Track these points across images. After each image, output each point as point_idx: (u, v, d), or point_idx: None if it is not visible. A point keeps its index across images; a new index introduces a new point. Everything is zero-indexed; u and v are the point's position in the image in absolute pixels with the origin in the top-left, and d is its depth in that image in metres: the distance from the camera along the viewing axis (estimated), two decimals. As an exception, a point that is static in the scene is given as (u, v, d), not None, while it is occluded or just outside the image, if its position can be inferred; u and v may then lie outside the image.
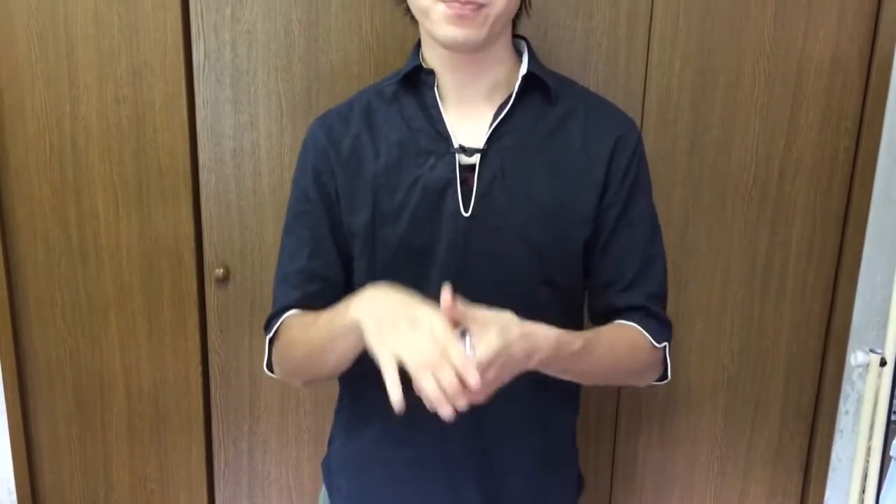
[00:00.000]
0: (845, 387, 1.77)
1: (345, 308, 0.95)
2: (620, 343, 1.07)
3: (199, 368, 1.73)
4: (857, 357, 1.63)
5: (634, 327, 1.09)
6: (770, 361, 1.76)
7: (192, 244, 1.65)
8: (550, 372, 0.97)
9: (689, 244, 1.67)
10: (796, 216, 1.68)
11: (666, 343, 1.12)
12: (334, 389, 1.29)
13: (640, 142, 1.12)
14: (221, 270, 1.66)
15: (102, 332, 1.72)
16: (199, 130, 1.60)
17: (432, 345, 0.82)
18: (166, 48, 1.56)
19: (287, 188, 1.59)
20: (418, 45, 1.11)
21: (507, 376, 0.87)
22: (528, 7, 1.13)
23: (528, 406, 1.12)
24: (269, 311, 1.16)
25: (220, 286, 1.68)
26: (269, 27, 1.55)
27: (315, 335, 1.02)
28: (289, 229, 1.15)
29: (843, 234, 1.70)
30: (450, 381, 0.80)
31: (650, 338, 1.09)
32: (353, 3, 1.54)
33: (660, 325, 1.11)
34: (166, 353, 1.72)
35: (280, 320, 1.12)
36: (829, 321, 1.75)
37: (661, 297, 1.13)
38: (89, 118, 1.60)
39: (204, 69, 1.57)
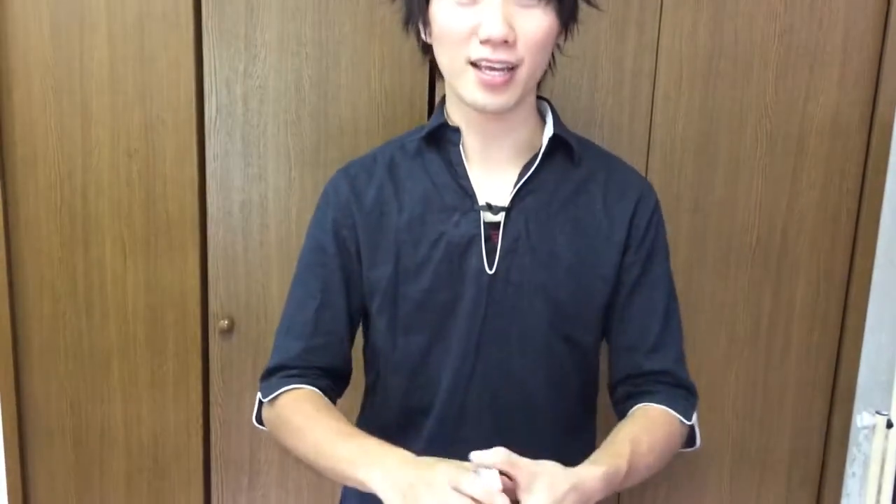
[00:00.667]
0: (852, 449, 1.75)
1: (356, 461, 0.92)
2: (658, 440, 1.04)
3: (201, 420, 1.72)
4: (862, 419, 1.62)
5: (664, 411, 1.08)
6: (775, 422, 1.75)
7: (197, 295, 1.66)
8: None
9: (693, 303, 1.67)
10: (800, 276, 1.68)
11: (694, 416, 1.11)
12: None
13: (657, 205, 1.14)
14: (226, 322, 1.66)
15: (104, 383, 1.72)
16: (208, 183, 1.63)
17: (457, 500, 0.81)
18: (179, 103, 1.59)
19: (294, 241, 1.62)
20: (443, 102, 1.13)
21: None
22: (553, 69, 1.15)
23: (547, 457, 1.12)
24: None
25: (224, 338, 1.68)
26: (281, 83, 1.58)
27: (318, 454, 0.99)
28: (298, 280, 1.14)
29: (846, 294, 1.70)
30: None
31: (681, 417, 1.08)
32: (363, 60, 1.58)
33: (687, 396, 1.11)
34: (168, 404, 1.72)
35: (281, 389, 1.09)
36: (834, 382, 1.74)
37: (683, 358, 1.13)
38: (100, 171, 1.62)
39: (216, 123, 1.60)
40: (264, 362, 1.65)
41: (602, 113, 1.60)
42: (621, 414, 1.11)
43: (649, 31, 1.57)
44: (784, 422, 1.75)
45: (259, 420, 1.14)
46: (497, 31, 0.92)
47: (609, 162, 1.16)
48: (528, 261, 1.05)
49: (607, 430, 1.07)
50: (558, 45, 1.10)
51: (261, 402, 1.13)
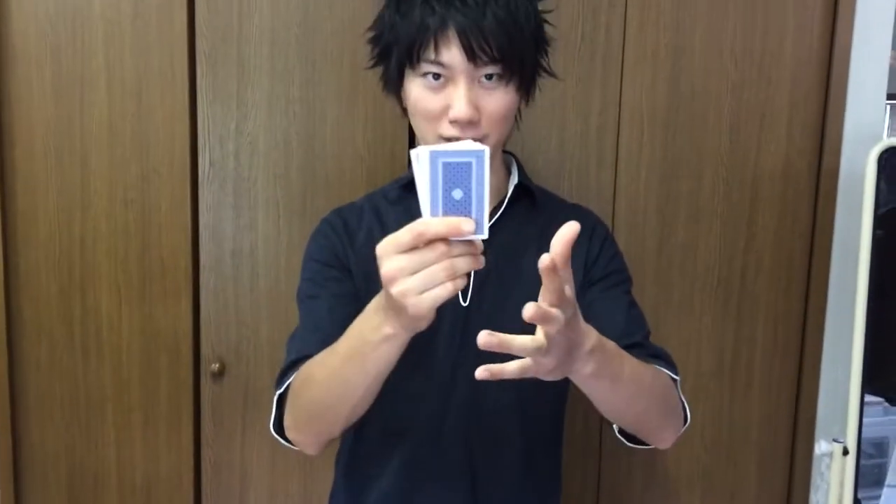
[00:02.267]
0: (815, 478, 1.84)
1: (378, 317, 0.89)
2: (636, 364, 1.01)
3: (192, 461, 1.77)
4: (820, 446, 1.71)
5: (643, 362, 1.08)
6: (742, 453, 1.84)
7: (189, 340, 1.73)
8: (595, 373, 0.87)
9: (660, 340, 1.73)
10: (759, 313, 1.80)
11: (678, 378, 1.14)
12: (326, 482, 1.35)
13: (608, 233, 1.26)
14: (217, 365, 1.73)
15: (99, 427, 1.77)
16: (201, 232, 1.71)
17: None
18: (174, 157, 1.68)
19: (283, 287, 1.71)
20: None
21: (567, 334, 0.77)
22: (518, 123, 1.25)
23: (518, 483, 1.20)
24: (261, 404, 1.14)
25: (215, 380, 1.75)
26: (270, 139, 1.69)
27: (338, 357, 0.97)
28: (303, 301, 1.17)
29: (803, 330, 1.81)
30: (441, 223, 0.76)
31: (663, 370, 1.11)
32: (347, 118, 1.69)
33: (666, 364, 1.14)
34: (160, 446, 1.77)
35: (293, 375, 1.08)
36: (795, 414, 1.84)
37: (649, 336, 1.19)
38: (98, 220, 1.71)
39: (209, 176, 1.69)
40: (254, 404, 1.75)
41: (570, 164, 1.72)
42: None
43: (612, 87, 1.70)
44: (750, 453, 1.84)
45: (279, 429, 1.14)
46: (464, 114, 1.02)
47: (566, 207, 1.29)
48: (499, 292, 1.15)
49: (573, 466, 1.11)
50: (524, 101, 1.20)
51: (280, 403, 1.12)
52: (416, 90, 1.06)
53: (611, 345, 0.90)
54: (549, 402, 1.23)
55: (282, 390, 1.10)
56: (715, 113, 1.72)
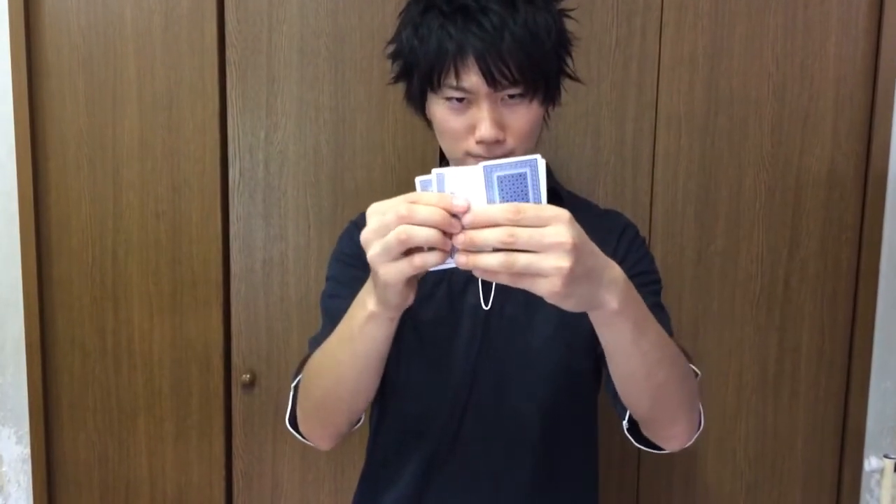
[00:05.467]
0: (864, 495, 1.77)
1: (365, 294, 0.91)
2: (668, 337, 0.97)
3: (223, 472, 1.77)
4: (870, 463, 1.65)
5: None
6: (787, 468, 1.77)
7: (220, 350, 1.73)
8: (622, 311, 0.84)
9: (700, 352, 1.72)
10: (804, 323, 1.73)
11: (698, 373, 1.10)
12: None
13: (637, 234, 1.22)
14: (248, 376, 1.73)
15: (131, 436, 1.78)
16: (231, 243, 1.71)
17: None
18: (204, 168, 1.68)
19: (313, 297, 1.69)
20: (444, 162, 1.21)
21: (583, 272, 0.78)
22: (547, 124, 1.22)
23: (542, 487, 1.16)
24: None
25: (245, 391, 1.74)
26: (300, 148, 1.68)
27: (333, 341, 0.98)
28: (326, 295, 1.17)
29: (851, 341, 1.74)
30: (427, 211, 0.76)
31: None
32: (377, 126, 1.67)
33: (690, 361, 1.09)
34: (192, 456, 1.77)
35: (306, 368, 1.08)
36: (843, 428, 1.77)
37: (672, 336, 1.13)
38: (130, 232, 1.72)
39: (238, 186, 1.69)
40: (285, 415, 1.73)
41: (605, 170, 1.67)
42: (624, 414, 1.09)
43: (648, 92, 1.65)
44: (795, 468, 1.77)
45: (294, 423, 1.12)
46: (489, 134, 1.01)
47: (594, 211, 1.25)
48: (520, 297, 1.12)
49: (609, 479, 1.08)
50: (551, 106, 1.17)
51: (296, 392, 1.11)
52: (441, 111, 1.06)
53: (636, 293, 0.88)
54: (573, 405, 1.19)
55: (296, 382, 1.10)
56: (756, 116, 1.66)
